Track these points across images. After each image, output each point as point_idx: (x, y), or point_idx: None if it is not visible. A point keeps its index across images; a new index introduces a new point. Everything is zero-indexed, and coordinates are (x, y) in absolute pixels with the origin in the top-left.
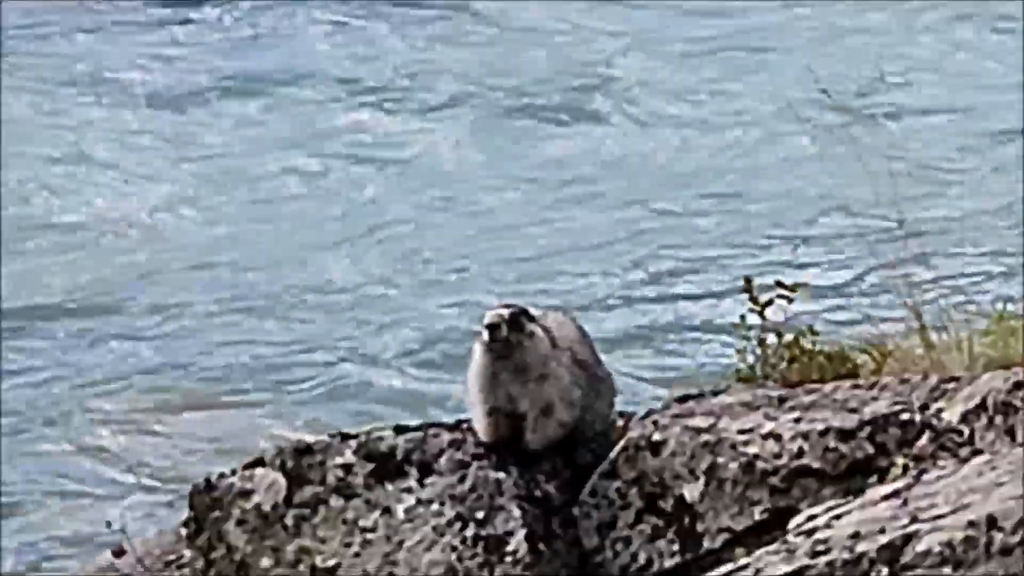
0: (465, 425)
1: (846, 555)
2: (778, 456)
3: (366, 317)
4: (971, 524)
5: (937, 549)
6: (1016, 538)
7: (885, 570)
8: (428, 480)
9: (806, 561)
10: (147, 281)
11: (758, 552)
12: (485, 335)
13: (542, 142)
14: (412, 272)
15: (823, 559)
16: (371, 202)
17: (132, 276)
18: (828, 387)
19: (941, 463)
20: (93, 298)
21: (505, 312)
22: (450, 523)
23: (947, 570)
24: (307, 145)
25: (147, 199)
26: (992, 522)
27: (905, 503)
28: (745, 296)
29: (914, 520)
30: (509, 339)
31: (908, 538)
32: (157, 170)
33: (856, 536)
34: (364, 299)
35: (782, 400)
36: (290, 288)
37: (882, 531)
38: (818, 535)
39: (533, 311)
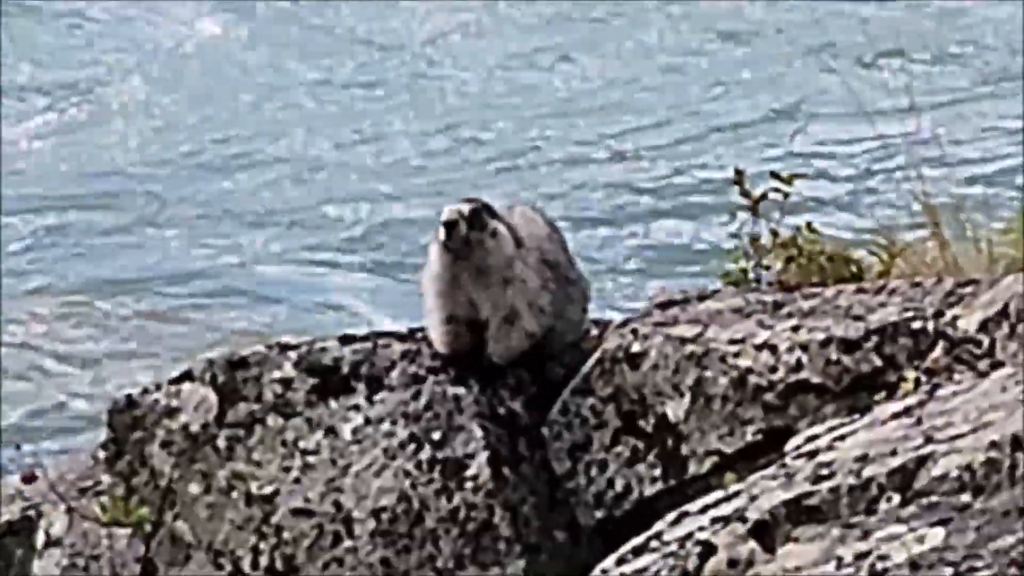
0: (420, 335)
1: (852, 480)
2: (773, 369)
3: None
4: (993, 445)
5: (955, 473)
6: None
7: (896, 497)
8: (378, 396)
9: (807, 487)
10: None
11: (752, 477)
12: (441, 233)
13: None
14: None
15: (826, 484)
16: None
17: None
18: (830, 291)
19: (957, 377)
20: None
21: (465, 207)
22: (403, 445)
23: (966, 496)
24: None
25: None
26: (1016, 443)
27: (918, 422)
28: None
29: (928, 441)
30: (468, 238)
31: (922, 461)
32: None
33: (863, 459)
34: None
35: (777, 306)
36: None
37: (892, 453)
38: (820, 458)
39: (496, 206)
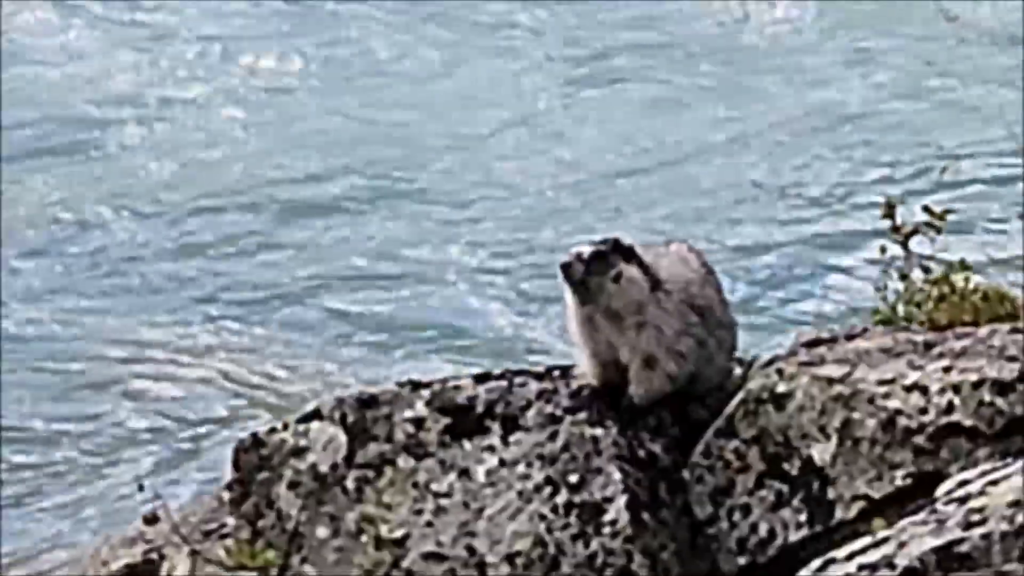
0: (556, 373)
1: (1005, 526)
2: (923, 411)
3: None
4: None
5: None
6: None
7: None
8: (513, 437)
9: (958, 533)
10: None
11: (900, 523)
12: (560, 276)
13: None
14: None
15: (978, 531)
16: None
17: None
18: (983, 331)
19: None
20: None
21: (586, 250)
22: (538, 488)
23: None
24: None
25: None
26: None
27: None
28: (886, 224)
29: None
30: (587, 281)
31: None
32: None
33: (1016, 504)
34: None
35: (928, 346)
36: None
37: None
38: (971, 503)
39: (641, 245)
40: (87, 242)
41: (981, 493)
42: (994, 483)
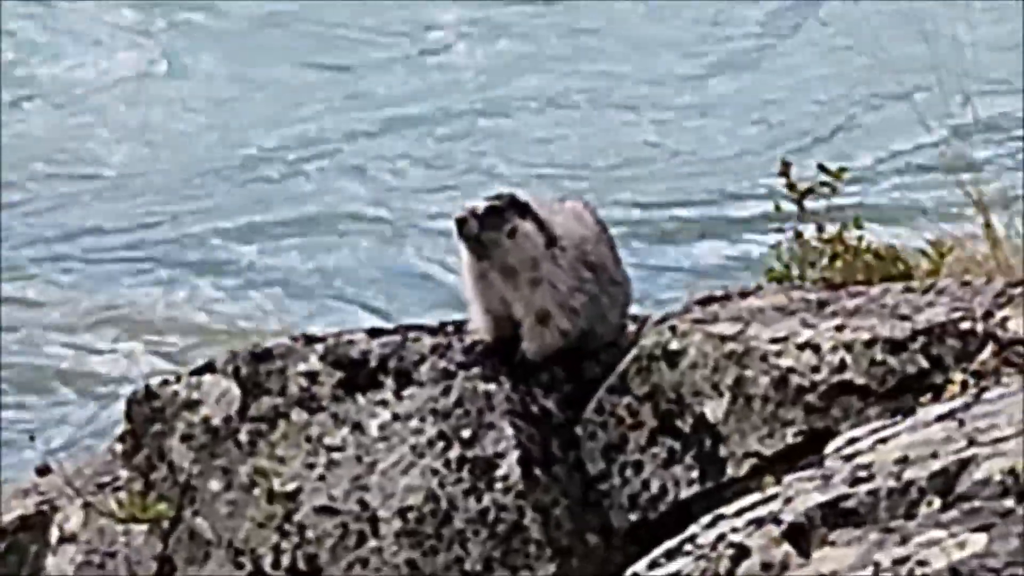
0: (450, 328)
1: (892, 483)
2: (816, 370)
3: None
4: None
5: (998, 477)
6: None
7: (937, 501)
8: (406, 392)
9: (844, 490)
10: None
11: (788, 479)
12: (454, 231)
13: None
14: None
15: (864, 487)
16: None
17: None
18: (876, 290)
19: (1006, 380)
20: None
21: (481, 205)
22: (431, 442)
23: (1009, 501)
24: None
25: None
26: None
27: (961, 424)
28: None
29: (971, 444)
30: (480, 237)
31: (964, 464)
32: None
33: (903, 461)
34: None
35: (822, 304)
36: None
37: (934, 456)
38: (859, 460)
39: (537, 200)
40: None
41: (870, 450)
42: (883, 441)
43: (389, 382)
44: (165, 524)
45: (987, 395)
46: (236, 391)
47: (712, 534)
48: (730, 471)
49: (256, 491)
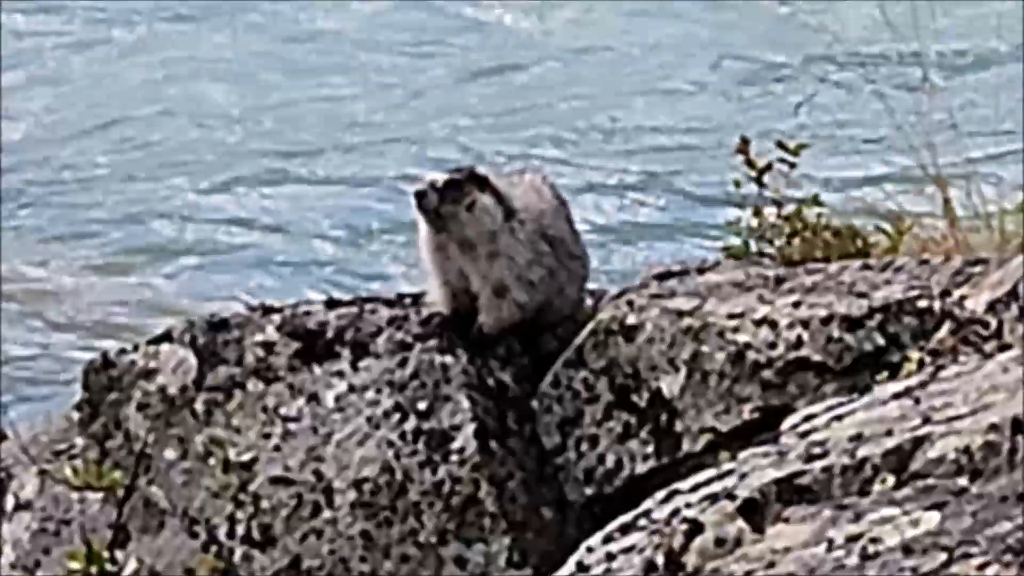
0: (407, 300)
1: (846, 460)
2: (772, 346)
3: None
4: (992, 428)
5: (952, 455)
6: None
7: (891, 478)
8: (363, 363)
9: (799, 466)
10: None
11: (743, 455)
12: (413, 204)
13: None
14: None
15: (818, 464)
16: None
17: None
18: (834, 267)
19: (963, 358)
20: None
21: (440, 178)
22: (387, 414)
23: (963, 480)
24: None
25: None
26: (1017, 426)
27: (917, 402)
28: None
29: (926, 422)
30: (440, 210)
31: (918, 442)
32: None
33: (858, 439)
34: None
35: (779, 281)
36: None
37: (888, 433)
38: (814, 436)
39: (496, 174)
40: None
41: (825, 427)
42: (839, 418)
43: (346, 353)
44: (120, 492)
45: (943, 373)
46: (193, 361)
47: (667, 509)
48: (686, 446)
49: (211, 461)
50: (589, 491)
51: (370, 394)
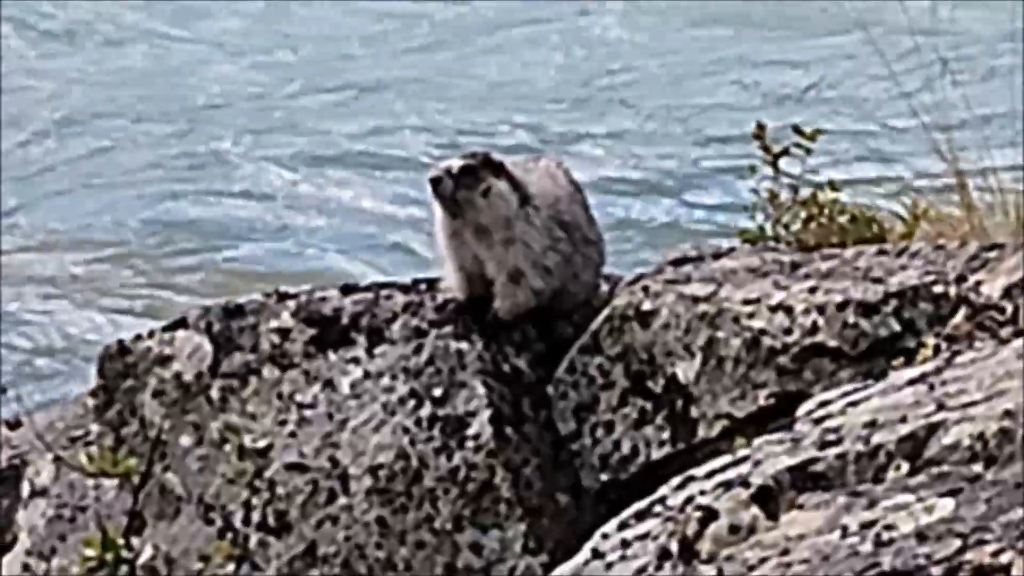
0: (423, 286)
1: (860, 447)
2: (788, 332)
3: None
4: (1007, 414)
5: (966, 442)
6: None
7: (905, 465)
8: (378, 350)
9: (813, 453)
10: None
11: (757, 441)
12: (429, 190)
13: None
14: None
15: (833, 451)
16: None
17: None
18: (849, 252)
19: (978, 344)
20: None
21: (456, 164)
22: (402, 400)
23: (977, 467)
24: None
25: None
26: None
27: (931, 389)
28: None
29: (941, 408)
30: (456, 196)
31: (933, 429)
32: None
33: (872, 425)
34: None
35: (795, 266)
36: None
37: (903, 420)
38: (828, 423)
39: (511, 160)
40: None
41: (840, 414)
42: (854, 404)
43: (361, 339)
44: (136, 479)
45: (959, 359)
46: (208, 347)
47: (681, 496)
48: (701, 432)
49: (227, 447)
50: (604, 477)
51: (385, 380)
